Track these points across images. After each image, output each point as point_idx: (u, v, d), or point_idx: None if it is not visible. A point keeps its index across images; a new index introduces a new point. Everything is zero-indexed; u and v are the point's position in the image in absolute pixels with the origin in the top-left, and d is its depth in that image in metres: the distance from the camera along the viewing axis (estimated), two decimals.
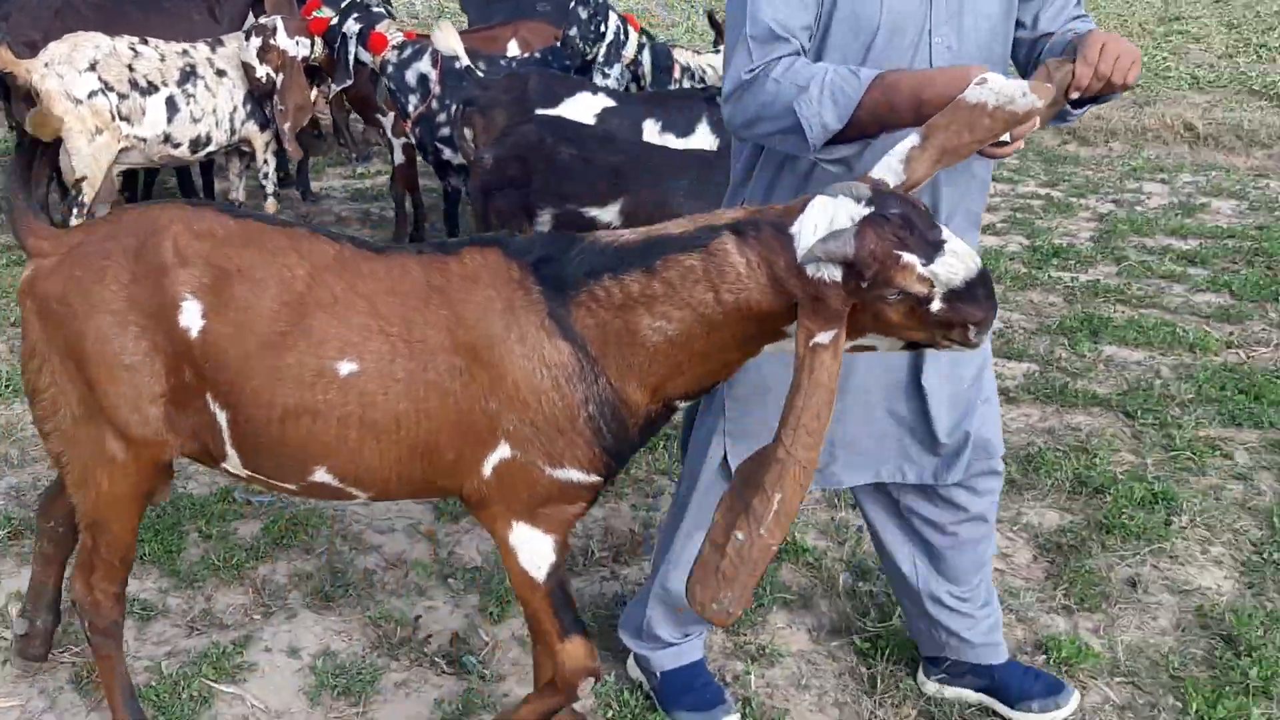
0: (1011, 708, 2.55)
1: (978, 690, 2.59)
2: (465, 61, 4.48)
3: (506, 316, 1.91)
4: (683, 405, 2.06)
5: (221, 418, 2.01)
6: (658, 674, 2.59)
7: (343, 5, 4.89)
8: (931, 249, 1.72)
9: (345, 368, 1.93)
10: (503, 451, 1.96)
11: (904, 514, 2.48)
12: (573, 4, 4.70)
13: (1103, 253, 5.91)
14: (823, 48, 2.06)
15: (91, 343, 1.99)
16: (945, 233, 1.75)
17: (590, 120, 3.98)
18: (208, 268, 1.98)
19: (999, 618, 2.61)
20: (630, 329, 1.88)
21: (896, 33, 2.04)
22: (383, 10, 4.96)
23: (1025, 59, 2.21)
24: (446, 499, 2.63)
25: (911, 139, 1.79)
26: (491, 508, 2.04)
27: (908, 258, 1.70)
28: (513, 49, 5.56)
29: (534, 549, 2.05)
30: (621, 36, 4.84)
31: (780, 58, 1.97)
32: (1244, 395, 4.10)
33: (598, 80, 4.77)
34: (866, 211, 1.72)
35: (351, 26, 4.87)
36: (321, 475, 2.04)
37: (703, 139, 4.08)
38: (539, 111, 3.91)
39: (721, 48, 5.42)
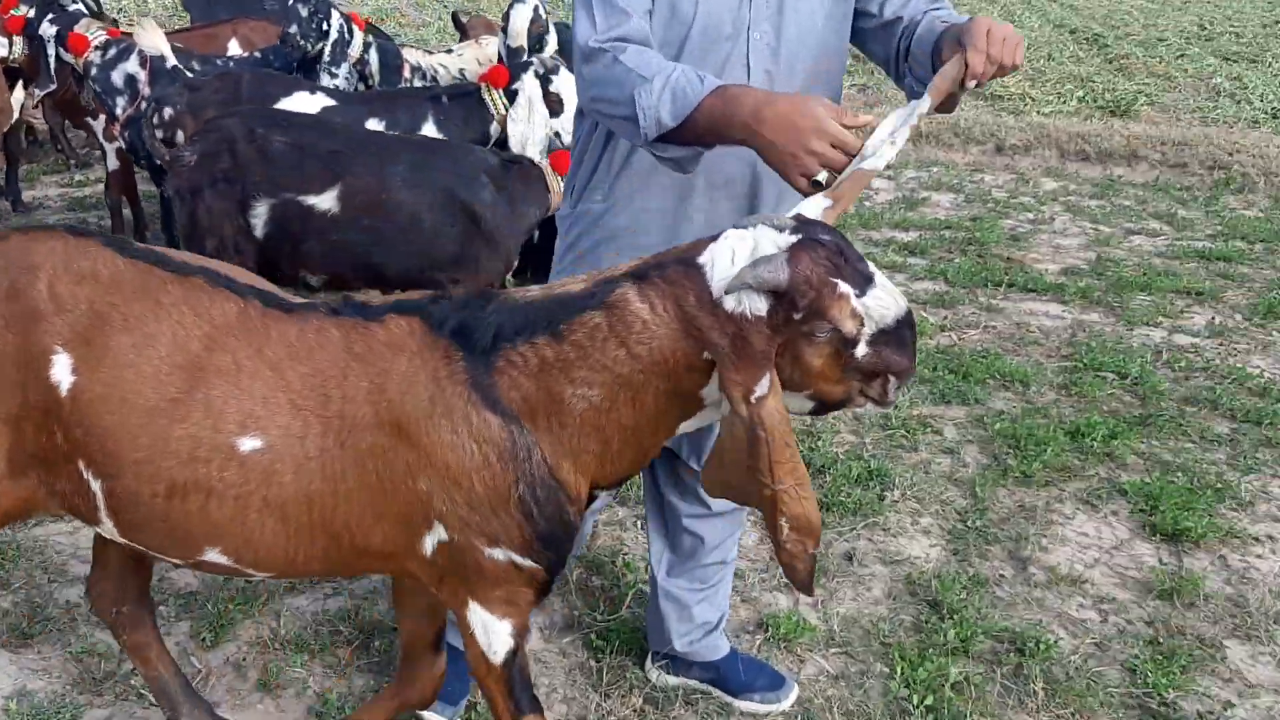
0: (735, 697, 2.62)
1: (702, 681, 2.66)
2: (173, 61, 4.25)
3: (432, 388, 1.72)
4: (604, 496, 1.89)
5: (96, 486, 1.78)
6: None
7: (35, 5, 4.56)
8: (863, 281, 1.60)
9: (247, 444, 1.71)
10: (439, 533, 1.77)
11: (663, 505, 2.52)
12: (292, 1, 4.55)
13: None
14: (650, 26, 2.03)
15: None
16: (872, 266, 1.63)
17: None
18: (86, 316, 1.74)
19: (725, 616, 2.68)
20: (554, 398, 1.71)
21: (712, 26, 2.03)
22: (80, 8, 4.65)
23: (884, 49, 2.19)
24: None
25: (823, 201, 1.71)
26: (444, 587, 1.87)
27: (844, 287, 1.57)
28: (233, 48, 5.33)
29: (490, 633, 1.87)
30: (346, 35, 4.72)
31: (630, 42, 1.92)
32: (954, 375, 4.37)
33: (324, 80, 4.63)
34: (795, 239, 1.59)
35: (47, 29, 4.54)
36: (213, 555, 1.82)
37: None
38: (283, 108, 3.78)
39: (455, 47, 5.39)
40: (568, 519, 1.78)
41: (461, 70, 5.23)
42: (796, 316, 1.57)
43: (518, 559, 1.79)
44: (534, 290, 1.80)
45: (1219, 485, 3.63)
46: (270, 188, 3.21)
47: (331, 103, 3.94)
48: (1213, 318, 5.22)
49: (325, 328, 1.78)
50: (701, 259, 1.64)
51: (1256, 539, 3.38)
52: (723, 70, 2.03)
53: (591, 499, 1.85)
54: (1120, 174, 7.91)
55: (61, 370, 1.73)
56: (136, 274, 1.79)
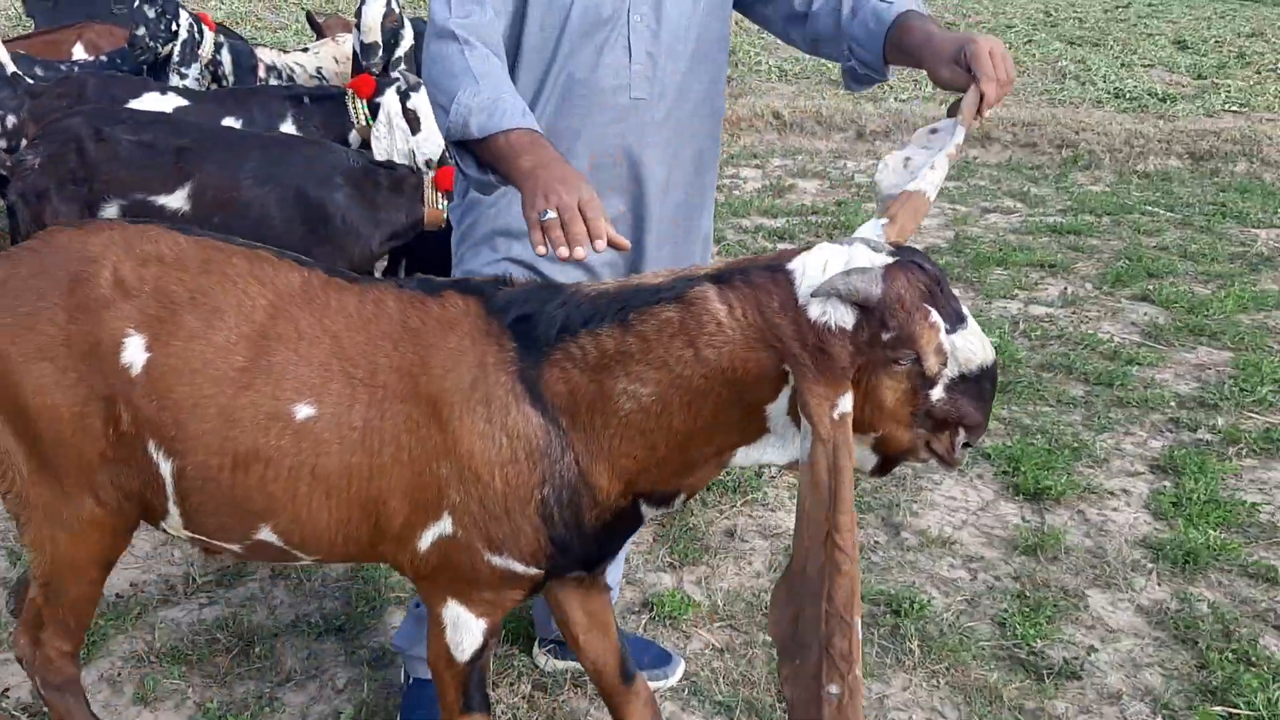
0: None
1: None
2: (12, 69, 4.09)
3: (476, 372, 1.68)
4: (650, 513, 1.80)
5: (165, 468, 1.75)
6: (410, 678, 2.52)
7: None
8: (955, 318, 1.53)
9: (302, 411, 1.69)
10: (444, 526, 1.73)
11: None
12: (138, 3, 4.42)
13: None
14: (523, 27, 2.05)
15: (32, 397, 1.73)
16: (965, 308, 1.56)
17: None
18: (155, 296, 1.72)
19: (614, 600, 2.69)
20: (603, 393, 1.64)
21: (591, 9, 2.03)
22: None
23: (801, 34, 2.20)
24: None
25: (880, 221, 1.66)
26: (426, 581, 1.82)
27: (936, 317, 1.50)
28: (78, 52, 5.15)
29: (461, 630, 1.83)
30: (196, 35, 4.61)
31: (480, 36, 1.91)
32: None
33: (174, 81, 4.51)
34: (892, 260, 1.52)
35: None
36: (266, 534, 1.79)
37: None
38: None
39: (311, 46, 5.29)
40: (584, 524, 1.73)
41: (319, 69, 5.15)
42: (884, 337, 1.49)
43: (519, 567, 1.74)
44: (609, 282, 1.76)
45: (1075, 445, 3.81)
46: (120, 188, 3.12)
47: (184, 102, 3.84)
48: (1065, 288, 5.46)
49: (384, 299, 1.77)
50: (791, 265, 1.57)
51: (1112, 493, 3.56)
52: (603, 54, 2.05)
53: (636, 509, 1.77)
54: (975, 155, 8.20)
55: (134, 351, 1.71)
56: (201, 250, 1.78)
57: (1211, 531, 3.29)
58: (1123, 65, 10.91)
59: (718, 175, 2.36)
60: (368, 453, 1.70)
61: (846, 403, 1.51)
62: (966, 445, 1.62)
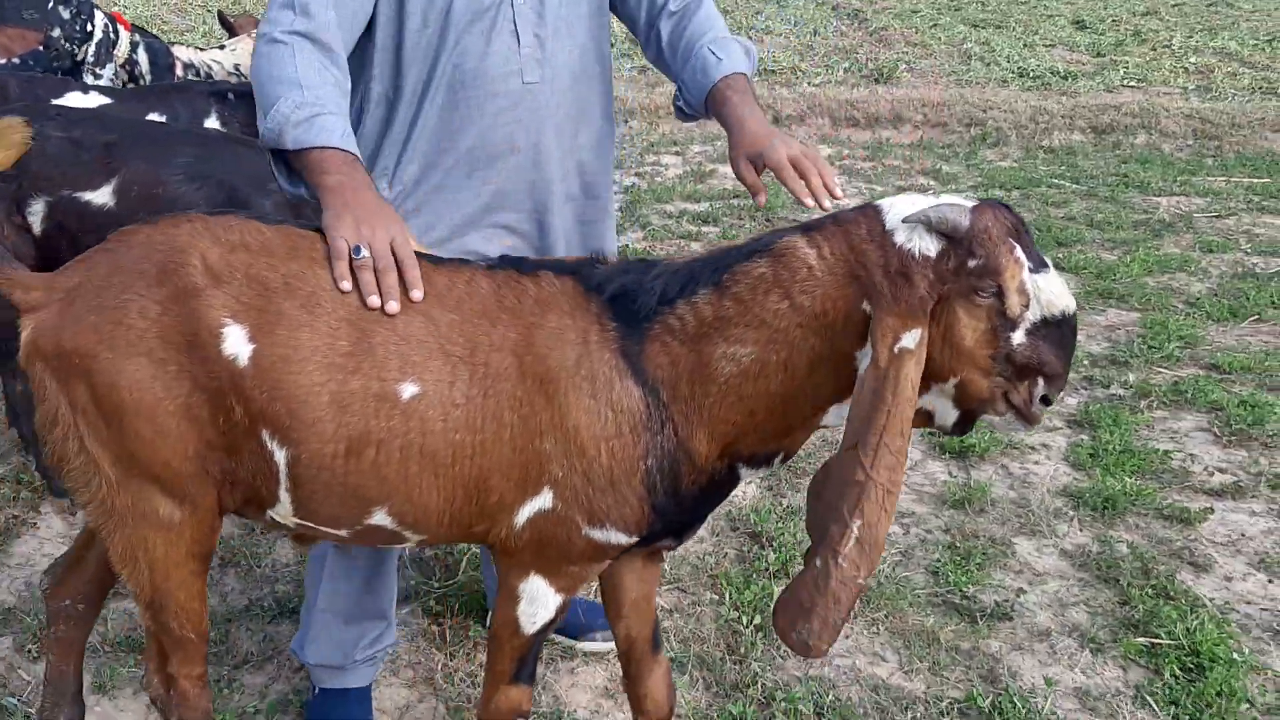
0: (575, 640, 2.71)
1: None
2: None
3: (579, 349, 1.69)
4: (748, 475, 1.82)
5: (280, 456, 1.70)
6: (316, 689, 2.45)
7: None
8: (1039, 262, 1.56)
9: (407, 391, 1.67)
10: (543, 501, 1.73)
11: None
12: (51, 4, 4.36)
13: (630, 220, 6.35)
14: (402, 24, 2.02)
15: (128, 393, 1.66)
16: (1047, 258, 1.59)
17: None
18: (248, 284, 1.67)
19: None
20: (703, 362, 1.67)
21: None
22: None
23: (654, 49, 2.21)
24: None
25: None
26: (513, 556, 1.81)
27: (1021, 254, 1.53)
28: None
29: (538, 603, 1.83)
30: (111, 35, 4.56)
31: (315, 40, 1.87)
32: None
33: (89, 81, 4.45)
34: (999, 206, 1.58)
35: None
36: (380, 518, 1.76)
37: None
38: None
39: (228, 43, 5.26)
40: (682, 492, 1.75)
41: (236, 65, 5.11)
42: (970, 264, 1.52)
43: (620, 538, 1.76)
44: (699, 252, 1.78)
45: None
46: (47, 185, 3.08)
47: (107, 100, 3.81)
48: None
49: (476, 279, 1.76)
50: (880, 202, 1.62)
51: (1033, 448, 3.72)
52: (490, 41, 2.03)
53: (733, 474, 1.79)
54: (888, 136, 8.39)
55: (236, 342, 1.66)
56: (284, 237, 1.75)
57: (1128, 479, 3.46)
58: (1025, 46, 11.22)
59: (619, 157, 2.38)
60: (470, 430, 1.70)
61: (911, 339, 1.53)
62: (1045, 400, 1.60)
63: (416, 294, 1.69)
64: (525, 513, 1.74)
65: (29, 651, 2.66)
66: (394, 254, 1.71)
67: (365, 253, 1.69)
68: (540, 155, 2.12)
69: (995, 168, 7.53)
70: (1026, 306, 1.54)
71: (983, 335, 1.56)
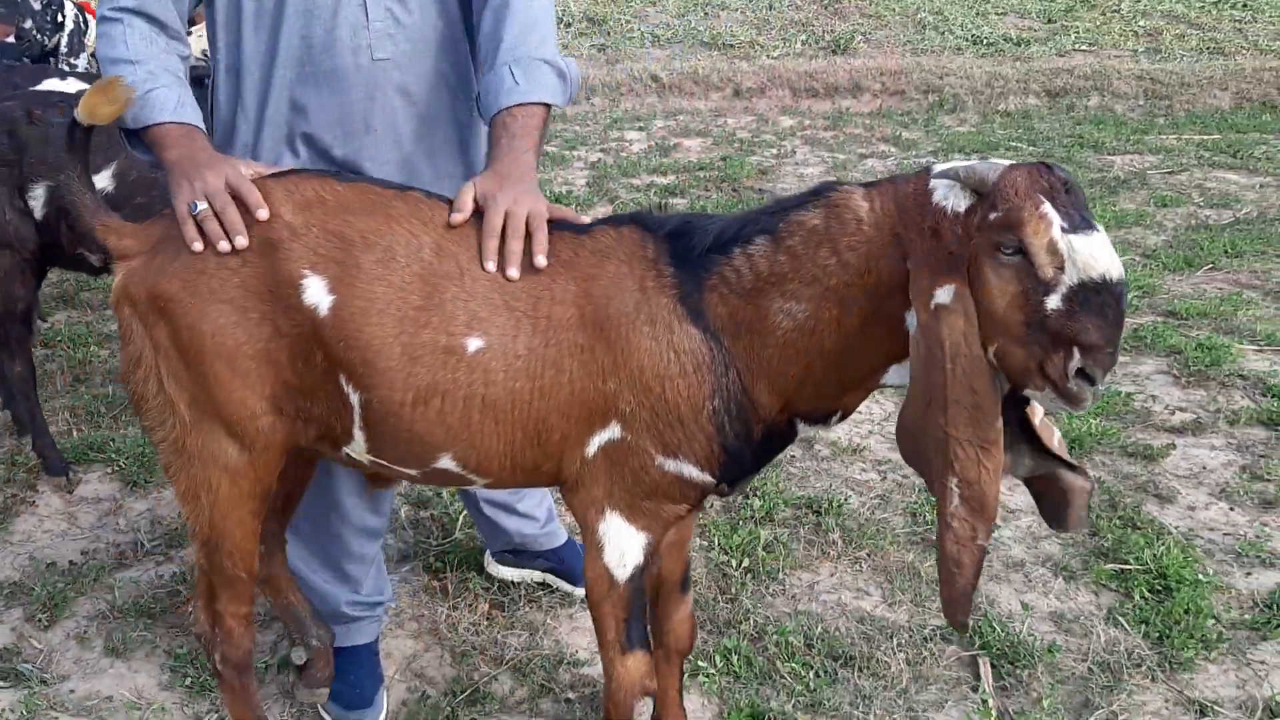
0: (574, 585, 2.80)
1: (544, 571, 2.83)
2: None
3: (637, 295, 1.71)
4: (804, 429, 1.80)
5: (355, 399, 1.78)
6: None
7: None
8: (1080, 222, 1.45)
9: (473, 344, 1.73)
10: (612, 432, 1.75)
11: None
12: None
13: (598, 195, 6.44)
14: None
15: (210, 337, 1.75)
16: (1097, 223, 1.48)
17: None
18: (325, 237, 1.74)
19: (552, 505, 2.86)
20: (760, 314, 1.66)
21: None
22: None
23: (475, 37, 2.08)
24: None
25: None
26: (587, 492, 1.81)
27: (1048, 210, 1.44)
28: None
29: (623, 544, 1.81)
30: (82, 24, 4.58)
31: (138, 22, 1.90)
32: None
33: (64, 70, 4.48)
34: (1047, 166, 1.50)
35: None
36: (445, 462, 1.82)
37: None
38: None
39: (194, 30, 5.29)
40: (754, 437, 1.75)
41: (204, 51, 5.14)
42: (990, 218, 1.46)
43: (692, 472, 1.76)
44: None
45: None
46: (48, 170, 3.15)
47: (84, 86, 3.84)
48: None
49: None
50: (935, 166, 1.59)
51: None
52: (337, 14, 1.97)
53: (791, 428, 1.79)
54: (848, 106, 8.53)
55: (317, 293, 1.74)
56: (358, 194, 1.80)
57: (1093, 420, 3.60)
58: (978, 14, 11.38)
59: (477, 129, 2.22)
60: (531, 377, 1.74)
61: (945, 294, 1.50)
62: (1086, 376, 1.47)
63: (262, 213, 1.73)
64: (595, 443, 1.77)
65: (39, 621, 2.72)
66: (231, 188, 1.75)
67: (202, 205, 1.75)
68: (399, 135, 2.06)
69: (954, 133, 7.68)
70: (1061, 269, 1.44)
71: (1014, 298, 1.47)
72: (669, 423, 1.72)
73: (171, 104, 1.85)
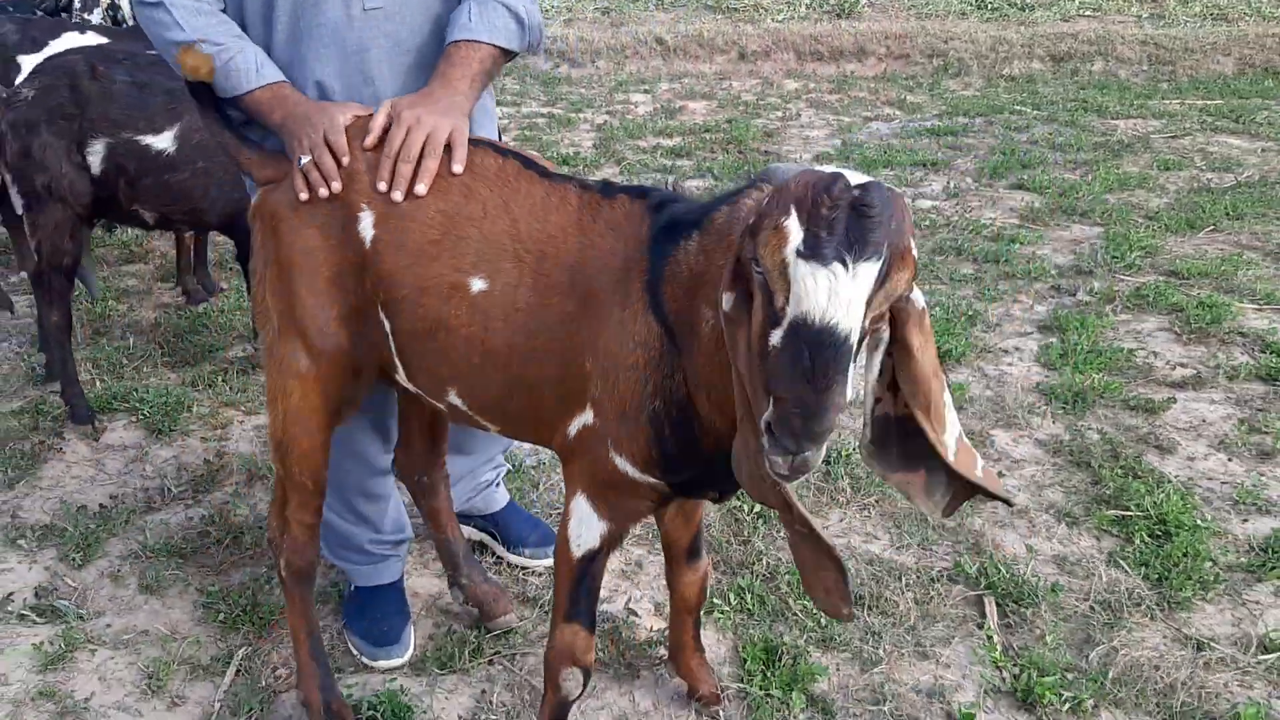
0: (508, 550, 2.80)
1: (481, 531, 2.83)
2: None
3: (621, 273, 1.67)
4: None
5: (388, 327, 1.91)
6: (353, 585, 2.58)
7: None
8: (829, 253, 1.21)
9: (477, 284, 1.79)
10: (587, 417, 1.73)
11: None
12: None
13: (605, 156, 6.48)
14: None
15: (300, 255, 1.93)
16: (874, 255, 1.23)
17: None
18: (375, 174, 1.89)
19: (501, 473, 2.85)
20: (693, 314, 1.56)
21: None
22: None
23: None
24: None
25: None
26: (568, 468, 1.84)
27: (789, 224, 1.23)
28: None
29: (583, 525, 1.81)
30: None
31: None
32: None
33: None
34: (842, 177, 1.26)
35: None
36: (453, 397, 1.91)
37: None
38: (52, 52, 3.65)
39: None
40: (700, 449, 1.64)
41: None
42: (749, 225, 1.33)
43: (632, 471, 1.71)
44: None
45: (971, 313, 4.18)
46: (109, 126, 3.19)
47: (104, 39, 3.88)
48: (948, 183, 5.84)
49: (568, 196, 1.81)
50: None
51: (1005, 351, 3.93)
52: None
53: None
54: (852, 69, 8.55)
55: (367, 225, 1.88)
56: None
57: (1095, 375, 3.68)
58: None
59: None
60: (528, 335, 1.75)
61: (727, 301, 1.39)
62: (772, 434, 1.25)
63: (346, 159, 1.87)
64: (575, 426, 1.77)
65: (73, 560, 2.80)
66: (326, 138, 1.88)
67: (305, 158, 1.89)
68: (399, 88, 2.07)
69: (958, 96, 7.71)
70: (786, 295, 1.24)
71: (760, 323, 1.30)
72: (617, 416, 1.67)
73: (253, 69, 1.96)
